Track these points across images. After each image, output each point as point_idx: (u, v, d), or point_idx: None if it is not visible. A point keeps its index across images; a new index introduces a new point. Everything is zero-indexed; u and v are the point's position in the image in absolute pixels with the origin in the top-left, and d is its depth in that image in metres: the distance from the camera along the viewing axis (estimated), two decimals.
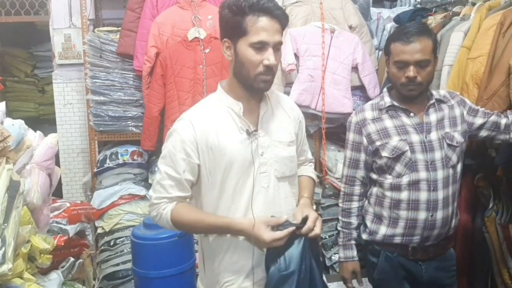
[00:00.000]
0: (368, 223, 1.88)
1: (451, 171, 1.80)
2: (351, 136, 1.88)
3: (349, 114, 2.98)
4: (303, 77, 2.93)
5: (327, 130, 3.07)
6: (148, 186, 3.08)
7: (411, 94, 1.76)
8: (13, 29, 4.54)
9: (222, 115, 1.44)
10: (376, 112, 1.85)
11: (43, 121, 4.67)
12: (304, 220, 1.38)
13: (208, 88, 2.86)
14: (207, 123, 1.42)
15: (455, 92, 1.97)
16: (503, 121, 1.88)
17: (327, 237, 3.18)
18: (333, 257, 3.12)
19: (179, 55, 2.87)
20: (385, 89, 1.90)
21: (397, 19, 3.02)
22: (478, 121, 1.88)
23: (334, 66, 2.97)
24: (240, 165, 1.42)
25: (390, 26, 3.19)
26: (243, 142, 1.42)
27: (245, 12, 1.35)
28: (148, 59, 2.93)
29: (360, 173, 1.88)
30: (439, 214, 1.78)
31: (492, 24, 2.23)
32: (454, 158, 1.81)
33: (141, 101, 3.09)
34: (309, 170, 1.71)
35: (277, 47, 1.38)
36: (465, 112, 1.88)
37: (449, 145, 1.80)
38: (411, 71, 1.71)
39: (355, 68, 3.05)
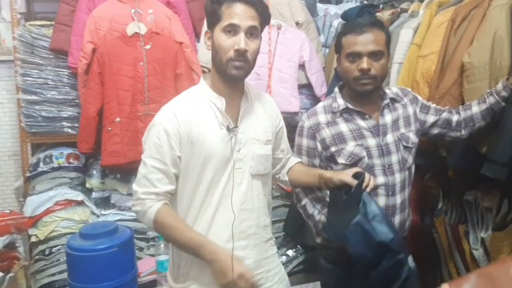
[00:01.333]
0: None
1: (407, 173, 1.71)
2: (304, 142, 1.72)
3: (296, 113, 2.88)
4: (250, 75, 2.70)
5: None
6: (85, 191, 2.82)
7: (365, 89, 1.63)
8: None
9: (204, 109, 1.42)
10: (330, 115, 1.70)
11: None
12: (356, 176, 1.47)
13: (149, 87, 2.63)
14: (190, 116, 1.40)
15: (406, 88, 1.87)
16: (455, 118, 1.80)
17: (274, 238, 2.99)
18: (280, 259, 2.93)
19: (117, 52, 2.63)
20: (336, 89, 1.76)
21: (344, 16, 2.92)
22: (430, 118, 1.79)
23: (281, 63, 2.82)
24: (218, 160, 1.40)
25: (337, 22, 3.09)
26: (223, 138, 1.41)
27: (221, 1, 1.35)
28: (84, 55, 2.67)
29: None
30: (397, 219, 1.68)
31: (443, 21, 2.16)
32: (410, 160, 1.72)
33: (77, 101, 2.81)
34: (296, 159, 1.70)
35: (251, 32, 1.35)
36: (417, 110, 1.78)
37: (405, 147, 1.70)
38: (364, 63, 1.59)
39: (301, 66, 2.91)
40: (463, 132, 1.78)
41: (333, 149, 1.66)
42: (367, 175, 1.45)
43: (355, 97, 1.68)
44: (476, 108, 1.75)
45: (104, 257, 2.08)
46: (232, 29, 1.33)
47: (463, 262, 2.15)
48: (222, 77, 1.40)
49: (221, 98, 1.41)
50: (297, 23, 2.94)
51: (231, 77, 1.38)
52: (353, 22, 1.68)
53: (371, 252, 1.43)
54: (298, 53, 2.84)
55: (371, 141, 1.65)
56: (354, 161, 1.64)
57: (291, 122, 2.95)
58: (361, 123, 1.67)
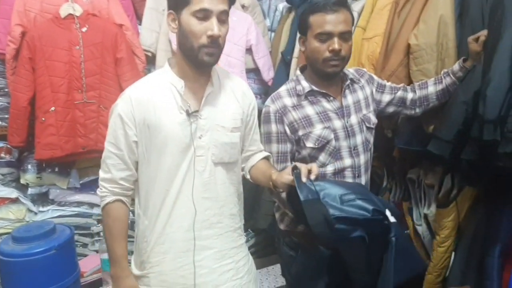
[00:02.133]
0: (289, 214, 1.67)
1: (369, 154, 1.69)
2: (273, 128, 1.60)
3: None
4: None
5: None
6: (20, 187, 2.57)
7: (334, 71, 1.57)
8: None
9: (163, 92, 1.35)
10: (295, 98, 1.62)
11: None
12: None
13: (87, 72, 2.40)
14: (146, 99, 1.34)
15: (362, 68, 1.82)
16: (409, 96, 1.78)
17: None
18: None
19: (50, 35, 2.38)
20: (298, 72, 1.69)
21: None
22: (386, 98, 1.75)
23: (228, 47, 2.58)
24: (176, 146, 1.34)
25: (282, 6, 2.98)
26: (182, 123, 1.33)
27: None
28: (12, 39, 2.39)
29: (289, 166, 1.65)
30: None
31: (387, 4, 2.17)
32: (371, 140, 1.70)
33: (6, 90, 2.51)
34: (265, 155, 1.58)
35: (222, 17, 1.29)
36: (374, 90, 1.74)
37: (367, 128, 1.67)
38: (335, 43, 1.52)
39: (248, 50, 2.78)
40: (417, 110, 1.78)
41: (300, 132, 1.59)
42: (302, 165, 1.33)
43: (319, 79, 1.61)
44: (432, 88, 1.74)
45: (41, 262, 1.86)
46: (203, 15, 1.26)
47: None
48: (190, 61, 1.33)
49: (181, 80, 1.34)
50: (242, 6, 2.82)
51: (203, 63, 1.31)
52: (319, 1, 1.58)
53: (363, 231, 1.29)
54: (245, 36, 2.72)
55: (337, 123, 1.60)
56: (322, 144, 1.58)
57: None
58: (326, 105, 1.61)
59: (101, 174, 1.40)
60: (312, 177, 1.30)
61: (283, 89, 1.66)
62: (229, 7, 1.32)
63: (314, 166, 1.32)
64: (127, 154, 1.36)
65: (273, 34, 2.99)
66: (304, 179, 1.29)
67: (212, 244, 1.40)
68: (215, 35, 1.26)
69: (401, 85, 1.80)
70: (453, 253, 1.98)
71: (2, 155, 2.47)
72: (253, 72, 2.86)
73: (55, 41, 2.36)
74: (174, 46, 2.47)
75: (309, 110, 1.59)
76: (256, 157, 1.56)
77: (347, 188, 1.35)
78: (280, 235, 1.73)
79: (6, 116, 2.48)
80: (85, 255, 2.47)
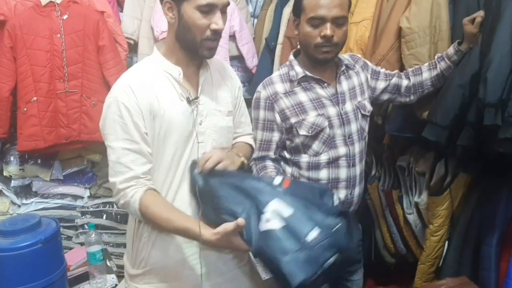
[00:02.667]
0: None
1: (363, 143, 1.62)
2: (261, 114, 1.54)
3: None
4: None
5: None
6: (3, 180, 2.51)
7: (326, 58, 1.48)
8: None
9: (161, 81, 1.27)
10: (287, 84, 1.54)
11: None
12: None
13: (68, 61, 2.29)
14: (148, 89, 1.24)
15: (356, 55, 1.73)
16: (404, 83, 1.70)
17: None
18: None
19: (31, 23, 2.28)
20: (291, 57, 1.60)
21: None
22: (381, 85, 1.68)
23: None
24: (179, 135, 1.27)
25: None
26: (185, 111, 1.27)
27: None
28: None
29: (271, 155, 1.58)
30: (356, 191, 1.59)
31: None
32: (366, 128, 1.63)
33: None
34: (247, 139, 1.53)
35: (224, 9, 1.24)
36: (369, 77, 1.66)
37: (363, 115, 1.60)
38: (328, 29, 1.43)
39: (231, 37, 2.67)
40: (412, 97, 1.70)
41: (293, 120, 1.51)
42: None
43: (312, 65, 1.53)
44: (426, 74, 1.67)
45: (27, 256, 1.73)
46: (209, 8, 1.20)
47: (396, 226, 2.14)
48: (188, 52, 1.27)
49: (177, 67, 1.28)
50: None
51: (203, 57, 1.28)
52: None
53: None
54: (228, 22, 2.58)
55: (332, 110, 1.52)
56: (316, 132, 1.51)
57: None
58: (321, 91, 1.53)
59: (116, 178, 1.23)
60: (201, 169, 1.20)
61: (275, 75, 1.58)
62: None
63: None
64: (144, 146, 1.23)
65: (255, 20, 2.86)
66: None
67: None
68: (220, 29, 1.22)
69: (395, 71, 1.73)
70: (446, 242, 1.91)
71: None
72: (237, 59, 2.74)
73: (36, 30, 2.26)
74: (157, 33, 2.41)
75: (302, 96, 1.51)
76: (240, 138, 1.50)
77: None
78: None
79: None
80: (70, 248, 2.37)
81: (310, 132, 1.50)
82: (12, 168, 2.42)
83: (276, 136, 1.54)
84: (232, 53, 2.66)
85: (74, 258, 2.12)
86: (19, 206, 2.43)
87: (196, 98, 1.30)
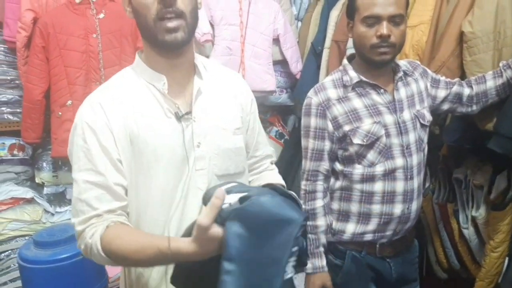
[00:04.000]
0: (333, 222, 1.56)
1: (422, 154, 1.55)
2: (312, 122, 1.49)
3: (271, 92, 2.63)
4: (220, 50, 2.48)
5: None
6: (35, 187, 2.48)
7: (383, 59, 1.42)
8: None
9: (141, 95, 1.05)
10: (341, 90, 1.49)
11: None
12: None
13: (105, 63, 2.27)
14: (122, 105, 1.04)
15: (415, 61, 1.68)
16: (466, 91, 1.63)
17: None
18: None
19: (64, 22, 2.24)
20: (345, 61, 1.55)
21: None
22: (441, 93, 1.61)
23: (254, 37, 2.56)
24: (169, 161, 1.04)
25: None
26: (173, 130, 1.04)
27: None
28: (23, 26, 2.25)
29: (324, 165, 1.52)
30: (414, 205, 1.52)
31: None
32: (425, 139, 1.56)
33: (17, 81, 2.39)
34: (275, 176, 1.27)
35: None
36: (428, 85, 1.60)
37: (421, 125, 1.53)
38: (384, 28, 1.38)
39: (275, 40, 2.64)
40: (474, 107, 1.63)
41: (346, 128, 1.46)
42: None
43: (368, 69, 1.48)
44: (491, 83, 1.59)
45: (67, 268, 1.74)
46: None
47: (450, 241, 2.10)
48: (154, 47, 1.04)
49: (161, 75, 1.05)
50: None
51: (164, 44, 1.00)
52: None
53: None
54: (272, 25, 2.57)
55: (389, 118, 1.47)
56: (372, 141, 1.45)
57: (264, 102, 2.75)
58: (377, 98, 1.48)
59: (76, 219, 1.01)
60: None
61: (328, 80, 1.53)
62: None
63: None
64: (111, 178, 1.00)
65: (300, 23, 2.84)
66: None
67: None
68: (167, 2, 0.96)
69: (456, 79, 1.66)
70: (506, 259, 1.86)
71: (15, 152, 2.37)
72: (280, 64, 2.72)
73: (70, 29, 2.22)
74: (198, 35, 2.33)
75: (357, 102, 1.47)
76: (264, 176, 1.27)
77: None
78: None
79: (19, 110, 2.38)
80: None
81: (365, 141, 1.45)
82: (44, 175, 2.41)
83: (327, 145, 1.50)
84: (275, 58, 2.65)
85: (113, 269, 2.11)
86: (53, 214, 2.41)
87: (188, 113, 1.06)
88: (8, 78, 2.37)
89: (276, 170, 1.32)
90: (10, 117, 2.39)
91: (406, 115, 1.49)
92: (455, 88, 1.61)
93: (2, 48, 2.35)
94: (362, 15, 1.40)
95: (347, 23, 1.51)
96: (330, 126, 1.48)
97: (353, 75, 1.47)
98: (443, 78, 1.64)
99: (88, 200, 0.99)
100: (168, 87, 1.05)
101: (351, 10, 1.46)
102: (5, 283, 2.34)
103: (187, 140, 1.05)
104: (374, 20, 1.38)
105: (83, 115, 1.02)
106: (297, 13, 2.87)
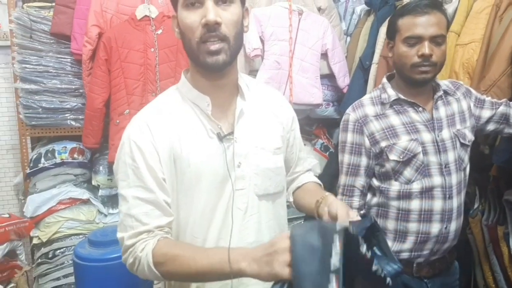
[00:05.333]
0: None
1: (463, 174, 1.56)
2: (349, 137, 1.56)
3: (318, 105, 2.72)
4: (269, 64, 2.59)
5: None
6: (91, 189, 2.66)
7: (424, 78, 1.47)
8: None
9: (185, 115, 1.10)
10: (378, 107, 1.55)
11: None
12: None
13: (161, 75, 2.44)
14: (167, 125, 1.08)
15: (458, 81, 1.70)
16: None
17: None
18: None
19: (126, 36, 2.44)
20: (384, 80, 1.61)
21: (368, 2, 2.71)
22: (486, 113, 1.63)
23: (302, 51, 2.65)
24: (211, 181, 1.08)
25: (360, 9, 2.89)
26: (215, 150, 1.08)
27: None
28: (88, 40, 2.47)
29: (360, 181, 1.57)
30: (453, 226, 1.53)
31: (485, 7, 2.05)
32: (466, 159, 1.57)
33: (81, 90, 2.61)
34: (311, 177, 1.35)
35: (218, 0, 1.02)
36: (472, 105, 1.62)
37: (462, 144, 1.55)
38: (425, 47, 1.42)
39: (323, 55, 2.73)
40: None
41: (383, 144, 1.50)
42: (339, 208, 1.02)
43: (407, 87, 1.53)
44: None
45: (117, 268, 1.82)
46: (196, 1, 1.01)
47: (500, 265, 2.07)
48: (199, 69, 1.08)
49: (205, 97, 1.09)
50: (319, 9, 2.76)
51: (206, 65, 1.03)
52: (410, 2, 1.51)
53: None
54: (321, 40, 2.66)
55: (426, 136, 1.50)
56: (408, 158, 1.48)
57: (310, 115, 2.84)
58: (415, 116, 1.52)
59: (124, 234, 1.06)
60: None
61: (366, 98, 1.60)
62: None
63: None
64: (161, 195, 1.05)
65: (348, 38, 2.92)
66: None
67: None
68: (210, 20, 0.99)
69: (503, 100, 1.66)
70: None
71: (75, 155, 2.56)
72: (327, 78, 2.80)
73: (130, 43, 2.41)
74: (248, 50, 2.49)
75: (394, 120, 1.51)
76: (303, 178, 1.34)
77: None
78: None
79: (81, 117, 2.58)
80: None
81: (401, 157, 1.48)
82: (100, 178, 2.57)
83: (364, 161, 1.53)
84: (322, 72, 2.73)
85: None
86: (106, 215, 2.57)
87: (230, 134, 1.10)
88: (73, 87, 2.59)
89: (312, 174, 1.36)
90: (73, 123, 2.61)
91: (446, 133, 1.52)
92: (502, 109, 1.61)
93: (69, 60, 2.58)
94: (403, 35, 1.46)
95: (387, 43, 1.57)
96: (367, 142, 1.52)
97: (391, 93, 1.53)
98: (488, 99, 1.65)
99: (138, 215, 1.03)
100: (212, 108, 1.09)
101: (391, 31, 1.52)
102: (58, 278, 2.52)
103: (228, 160, 1.08)
104: (415, 40, 1.43)
105: (131, 135, 1.07)
106: (347, 29, 2.95)
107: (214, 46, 1.01)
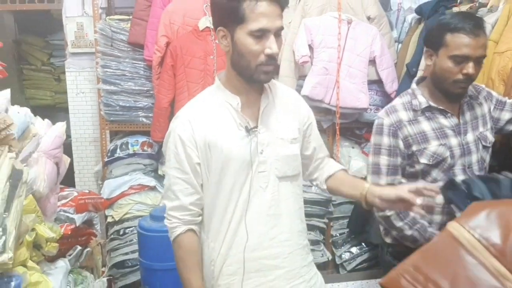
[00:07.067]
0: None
1: (483, 173, 1.73)
2: (385, 140, 1.70)
3: (365, 109, 2.98)
4: (317, 70, 2.88)
5: (341, 125, 3.01)
6: (157, 177, 3.11)
7: (461, 93, 1.65)
8: (30, 18, 4.61)
9: (219, 111, 1.38)
10: (411, 113, 1.70)
11: (58, 109, 4.74)
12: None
13: None
14: (205, 120, 1.37)
15: (479, 85, 1.86)
16: None
17: (338, 235, 3.18)
18: (343, 255, 3.11)
19: (189, 45, 2.86)
20: (414, 86, 1.76)
21: (419, 10, 2.92)
22: (505, 115, 1.78)
23: (350, 58, 2.91)
24: (238, 164, 1.36)
25: (411, 17, 3.08)
26: (242, 140, 1.36)
27: None
28: (158, 48, 2.92)
29: (399, 178, 1.73)
30: None
31: None
32: (487, 159, 1.74)
33: (151, 92, 3.09)
34: (338, 165, 1.60)
35: (278, 33, 1.29)
36: (492, 107, 1.78)
37: (484, 147, 1.71)
38: (471, 68, 1.57)
39: (372, 61, 2.97)
40: None
41: (414, 148, 1.66)
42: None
43: (437, 95, 1.67)
44: None
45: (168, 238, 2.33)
46: (261, 33, 1.26)
47: None
48: (244, 79, 1.35)
49: (236, 97, 1.36)
50: (368, 18, 2.99)
51: (260, 82, 1.35)
52: (459, 18, 1.61)
53: None
54: (369, 48, 2.89)
55: (454, 140, 1.66)
56: (437, 161, 1.64)
57: (359, 118, 3.06)
58: (444, 121, 1.68)
59: (168, 203, 1.41)
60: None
61: (398, 103, 1.73)
62: (282, 18, 1.32)
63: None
64: (193, 176, 1.37)
65: (399, 45, 3.11)
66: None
67: (282, 263, 1.41)
68: (274, 53, 1.27)
69: None
70: None
71: (145, 148, 3.03)
72: (376, 83, 3.01)
73: (193, 51, 2.82)
74: (297, 57, 2.79)
75: (425, 126, 1.66)
76: (331, 166, 1.57)
77: None
78: (384, 245, 1.84)
79: (150, 114, 3.04)
80: None
81: (431, 161, 1.64)
82: (165, 168, 3.03)
83: (399, 160, 1.69)
84: (371, 77, 2.95)
85: None
86: None
87: (255, 127, 1.37)
88: (145, 89, 3.08)
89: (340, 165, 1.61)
90: (144, 120, 3.10)
91: (470, 137, 1.68)
92: None
93: (142, 65, 3.06)
94: (451, 52, 1.57)
95: (426, 50, 1.67)
96: (401, 145, 1.67)
97: (422, 100, 1.67)
98: (510, 101, 1.78)
99: (176, 192, 1.38)
100: (241, 105, 1.36)
101: (436, 43, 1.61)
102: (126, 253, 2.98)
103: (253, 148, 1.35)
104: (462, 59, 1.55)
105: (176, 127, 1.38)
106: (398, 36, 3.15)
107: (268, 68, 1.30)
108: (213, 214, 1.40)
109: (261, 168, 1.37)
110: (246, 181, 1.37)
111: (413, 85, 1.75)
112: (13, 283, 1.50)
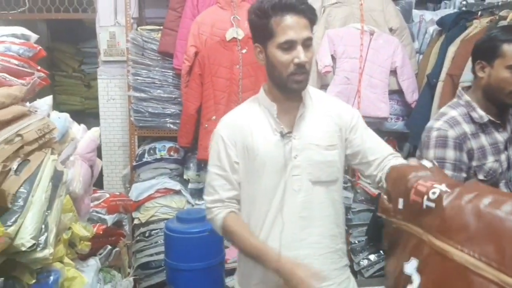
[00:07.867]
0: None
1: None
2: (450, 154, 1.64)
3: (385, 118, 3.06)
4: (339, 79, 2.99)
5: None
6: (183, 182, 3.24)
7: None
8: (62, 26, 4.80)
9: (259, 117, 1.50)
10: (472, 126, 1.68)
11: (88, 115, 4.88)
12: None
13: (243, 88, 2.95)
14: (245, 123, 1.49)
15: None
16: None
17: (356, 242, 3.26)
18: (361, 262, 3.19)
19: (216, 55, 2.98)
20: (468, 97, 1.73)
21: (440, 22, 3.01)
22: None
23: (371, 68, 3.01)
24: (273, 167, 1.46)
25: (433, 29, 3.17)
26: (277, 144, 1.46)
27: (269, 14, 1.37)
28: (187, 58, 3.05)
29: None
30: None
31: None
32: None
33: (179, 99, 3.22)
34: (399, 160, 1.51)
35: (306, 43, 1.38)
36: None
37: None
38: None
39: (393, 72, 3.06)
40: None
41: (474, 163, 1.65)
42: None
43: (492, 107, 1.68)
44: None
45: (195, 240, 2.47)
46: (289, 45, 1.36)
47: None
48: (280, 89, 1.45)
49: (273, 104, 1.47)
50: (390, 29, 3.08)
51: (293, 90, 1.43)
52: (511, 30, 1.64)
53: None
54: (390, 58, 2.99)
55: (504, 155, 1.68)
56: (491, 177, 1.65)
57: (380, 128, 3.13)
58: (498, 136, 1.69)
59: (207, 197, 1.53)
60: None
61: (457, 114, 1.68)
62: (312, 31, 1.41)
63: None
64: (231, 174, 1.48)
65: (421, 56, 3.19)
66: None
67: (311, 264, 1.43)
68: (302, 62, 1.36)
69: None
70: None
71: (172, 153, 3.17)
72: (397, 93, 3.10)
73: (220, 60, 2.95)
74: (320, 67, 2.90)
75: (484, 141, 1.66)
76: (394, 163, 1.47)
77: None
78: None
79: (178, 121, 3.17)
80: (228, 247, 2.96)
81: (487, 177, 1.63)
82: (190, 173, 3.12)
83: (463, 176, 1.63)
84: (392, 87, 3.04)
85: (232, 253, 2.72)
86: (193, 205, 3.10)
87: (290, 132, 1.46)
88: (173, 96, 3.22)
89: (400, 156, 1.53)
90: (171, 126, 3.23)
91: (510, 150, 1.70)
92: None
93: (171, 74, 3.20)
94: (508, 62, 1.58)
95: (478, 62, 1.67)
96: (465, 158, 1.64)
97: (482, 114, 1.66)
98: None
99: (215, 187, 1.50)
100: (278, 112, 1.47)
101: (489, 54, 1.62)
102: (151, 255, 3.10)
103: (287, 152, 1.45)
104: None
105: (220, 130, 1.53)
106: (419, 47, 3.24)
107: (300, 77, 1.39)
108: (251, 212, 1.51)
109: (295, 172, 1.46)
110: (280, 183, 1.46)
111: (467, 97, 1.72)
112: (52, 277, 1.62)
